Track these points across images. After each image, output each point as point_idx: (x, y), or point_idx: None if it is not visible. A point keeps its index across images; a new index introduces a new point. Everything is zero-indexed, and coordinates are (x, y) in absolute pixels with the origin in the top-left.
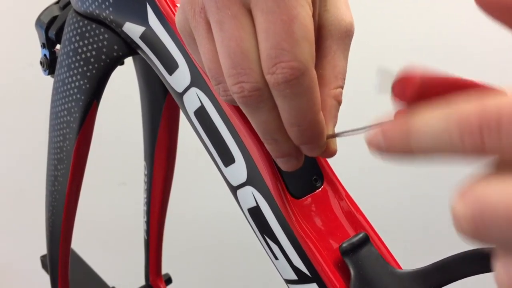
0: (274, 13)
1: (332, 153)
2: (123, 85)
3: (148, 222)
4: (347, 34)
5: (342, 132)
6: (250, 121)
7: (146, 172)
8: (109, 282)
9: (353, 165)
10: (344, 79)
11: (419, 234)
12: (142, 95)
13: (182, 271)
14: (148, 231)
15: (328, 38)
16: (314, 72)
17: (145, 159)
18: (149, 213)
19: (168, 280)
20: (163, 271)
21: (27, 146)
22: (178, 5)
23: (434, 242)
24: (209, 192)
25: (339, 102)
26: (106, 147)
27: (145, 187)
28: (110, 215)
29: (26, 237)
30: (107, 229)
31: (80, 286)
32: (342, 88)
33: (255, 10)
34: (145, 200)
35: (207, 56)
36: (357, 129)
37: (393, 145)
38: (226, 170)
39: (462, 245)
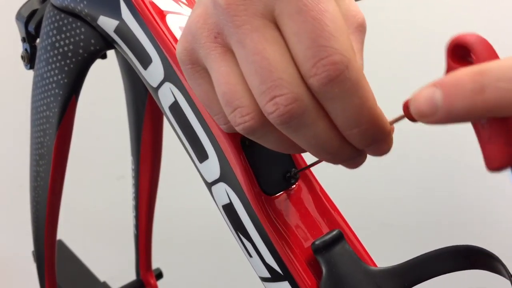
0: (302, 12)
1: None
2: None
3: (137, 217)
4: (358, 29)
5: (398, 118)
6: (296, 142)
7: (133, 167)
8: (102, 276)
9: None
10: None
11: (419, 227)
12: (126, 89)
13: (174, 266)
14: (137, 226)
15: None
16: (358, 62)
17: (132, 154)
18: (137, 207)
19: (159, 275)
20: (156, 266)
21: (27, 141)
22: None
23: (434, 235)
24: (199, 186)
25: None
26: (104, 140)
27: (133, 182)
28: (108, 208)
29: (25, 232)
30: (104, 223)
31: (71, 281)
32: None
33: (282, 16)
34: (133, 195)
35: (221, 80)
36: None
37: (456, 103)
38: (201, 166)
39: (458, 238)
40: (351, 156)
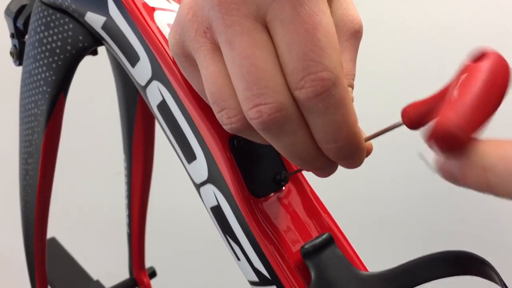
0: (295, 23)
1: (369, 153)
2: None
3: (130, 215)
4: (354, 36)
5: (377, 133)
6: (273, 144)
7: (125, 165)
8: (96, 274)
9: None
10: (353, 79)
11: (415, 224)
12: (117, 86)
13: (167, 265)
14: (130, 224)
15: None
16: (345, 80)
17: (124, 152)
18: (130, 206)
19: (153, 274)
20: (151, 265)
21: None
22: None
23: (434, 236)
24: (192, 184)
25: (351, 100)
26: (101, 137)
27: (125, 180)
28: (105, 205)
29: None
30: (100, 220)
31: (63, 279)
32: (352, 87)
33: (274, 23)
34: (126, 193)
35: (209, 79)
36: (390, 127)
37: (468, 180)
38: (189, 167)
39: (455, 236)
40: (323, 166)
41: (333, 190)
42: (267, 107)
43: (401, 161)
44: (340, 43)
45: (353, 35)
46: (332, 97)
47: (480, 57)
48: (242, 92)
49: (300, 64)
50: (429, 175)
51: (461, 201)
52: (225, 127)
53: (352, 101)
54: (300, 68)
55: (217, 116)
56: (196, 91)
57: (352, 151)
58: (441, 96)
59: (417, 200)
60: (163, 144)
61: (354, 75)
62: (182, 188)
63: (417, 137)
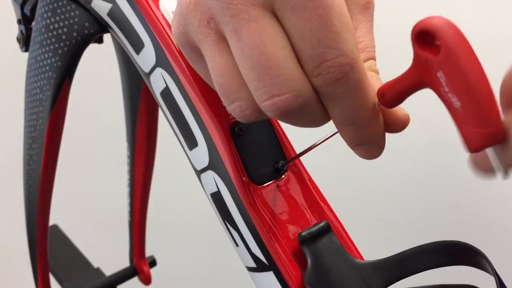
0: (307, 9)
1: (404, 122)
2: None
3: (132, 204)
4: (366, 7)
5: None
6: (289, 124)
7: (128, 153)
8: (97, 261)
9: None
10: (374, 51)
11: (417, 222)
12: (122, 74)
13: (168, 254)
14: (131, 213)
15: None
16: (362, 62)
17: (127, 140)
18: (132, 194)
19: (153, 263)
20: (152, 254)
21: None
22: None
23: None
24: (194, 173)
25: (376, 72)
26: (105, 127)
27: (128, 169)
28: (107, 194)
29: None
30: (103, 209)
31: (64, 266)
32: (375, 59)
33: (283, 10)
34: (128, 181)
35: (216, 71)
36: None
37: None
38: (191, 154)
39: (456, 234)
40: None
41: (336, 187)
42: (283, 98)
43: (404, 158)
44: (354, 17)
45: (365, 6)
46: (350, 81)
47: (426, 37)
48: (253, 84)
49: (315, 51)
50: (430, 173)
51: (461, 200)
52: (239, 119)
53: (378, 73)
54: (315, 55)
55: (229, 108)
56: (205, 81)
57: (372, 134)
58: (410, 76)
59: (418, 198)
60: (165, 134)
61: (374, 46)
62: (184, 178)
63: (416, 137)
